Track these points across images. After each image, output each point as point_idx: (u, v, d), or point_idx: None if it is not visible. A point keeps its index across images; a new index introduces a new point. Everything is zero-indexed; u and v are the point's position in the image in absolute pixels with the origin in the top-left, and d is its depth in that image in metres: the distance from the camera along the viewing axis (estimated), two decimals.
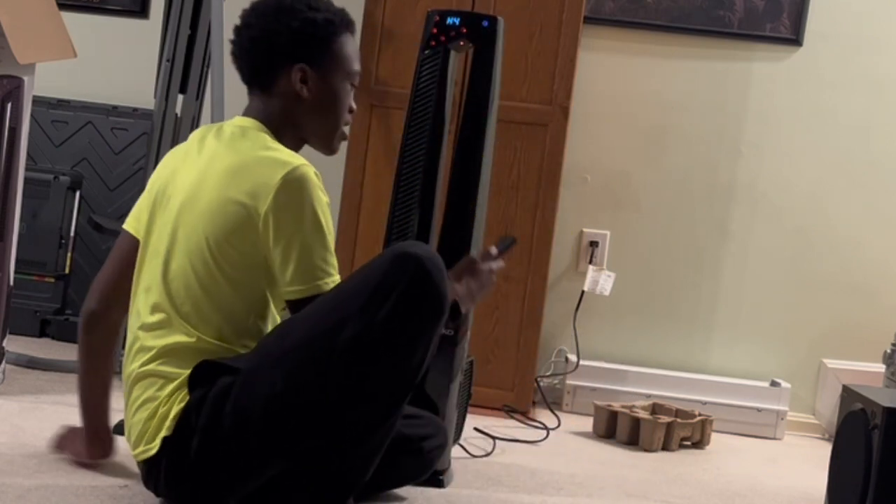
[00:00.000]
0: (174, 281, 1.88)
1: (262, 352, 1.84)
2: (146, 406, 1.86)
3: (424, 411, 2.20)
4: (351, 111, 2.06)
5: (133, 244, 2.00)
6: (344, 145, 3.33)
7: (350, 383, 1.78)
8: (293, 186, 1.84)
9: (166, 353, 1.86)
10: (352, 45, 2.03)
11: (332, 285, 1.85)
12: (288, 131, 1.99)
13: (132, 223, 2.03)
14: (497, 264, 2.20)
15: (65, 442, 2.15)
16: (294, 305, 1.87)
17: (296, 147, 2.02)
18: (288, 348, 1.79)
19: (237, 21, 2.01)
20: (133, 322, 1.94)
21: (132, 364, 1.90)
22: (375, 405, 1.82)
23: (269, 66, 1.97)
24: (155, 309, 1.89)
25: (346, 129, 2.06)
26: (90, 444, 2.10)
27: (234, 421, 1.78)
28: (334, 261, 1.88)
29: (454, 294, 2.07)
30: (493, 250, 2.21)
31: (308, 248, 1.84)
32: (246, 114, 2.01)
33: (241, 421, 1.78)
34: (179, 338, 1.86)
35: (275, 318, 1.94)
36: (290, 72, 1.97)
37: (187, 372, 1.83)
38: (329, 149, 2.06)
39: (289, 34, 1.95)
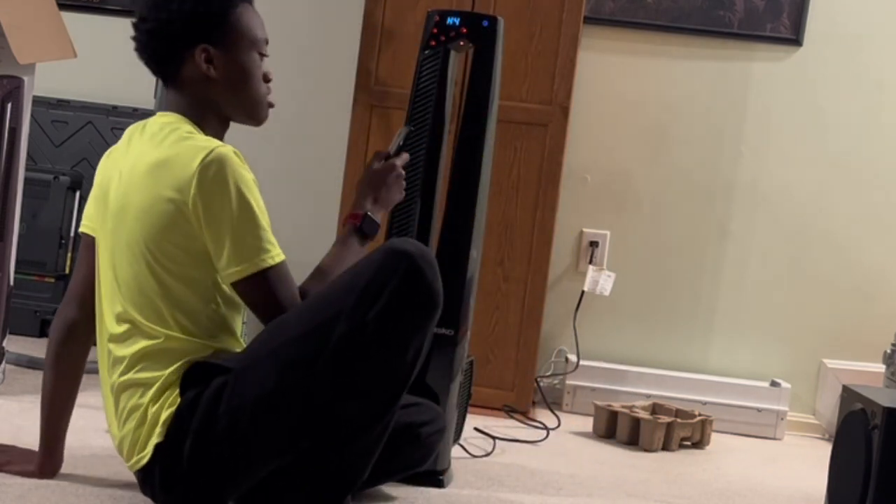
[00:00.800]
0: (127, 289, 1.86)
1: (253, 350, 1.83)
2: (133, 415, 1.85)
3: (422, 399, 2.18)
4: (267, 80, 2.02)
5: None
6: (344, 145, 3.36)
7: (342, 381, 1.77)
8: (212, 169, 1.80)
9: (140, 360, 1.84)
10: (251, 14, 2.00)
11: (270, 262, 1.82)
12: (209, 115, 1.97)
13: (89, 225, 2.01)
14: (400, 160, 2.16)
15: (6, 457, 2.06)
16: (238, 287, 1.84)
17: (222, 129, 2.00)
18: (278, 346, 1.78)
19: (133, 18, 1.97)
20: (103, 335, 1.91)
21: (111, 377, 1.89)
22: (369, 403, 1.81)
23: (172, 55, 1.94)
24: (119, 319, 1.88)
25: (270, 98, 2.02)
26: (46, 459, 2.03)
27: (228, 420, 1.77)
28: (270, 237, 1.85)
29: (363, 208, 2.05)
30: (391, 149, 2.18)
31: (238, 228, 1.81)
32: (166, 108, 1.98)
33: (234, 421, 1.77)
34: (148, 342, 1.84)
35: (234, 301, 1.92)
36: (193, 55, 1.93)
37: (165, 373, 1.82)
38: (256, 121, 2.02)
39: (184, 18, 1.92)
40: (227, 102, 1.98)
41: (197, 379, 1.81)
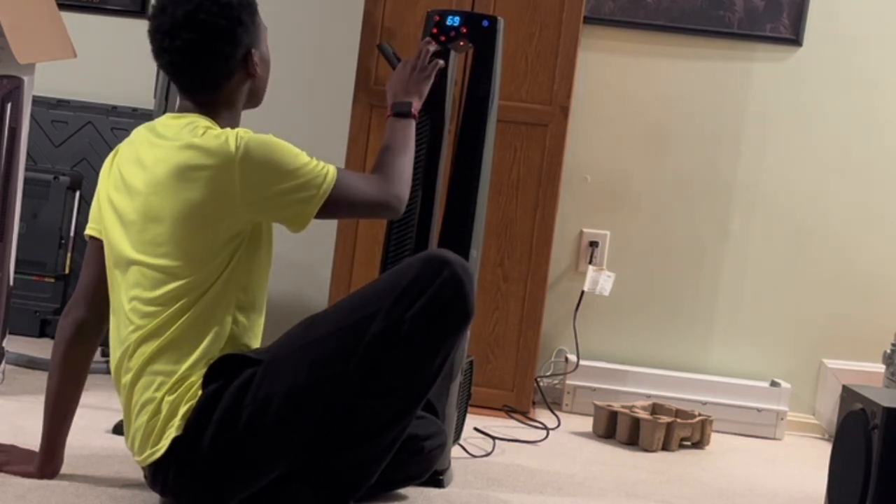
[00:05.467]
0: (156, 284, 1.86)
1: (286, 343, 1.86)
2: (146, 408, 1.85)
3: (424, 412, 2.20)
4: None
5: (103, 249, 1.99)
6: (344, 145, 3.35)
7: (370, 379, 1.80)
8: (242, 154, 1.83)
9: (160, 352, 1.85)
10: (258, 14, 2.03)
11: (328, 186, 1.88)
12: (229, 112, 1.98)
13: (95, 227, 2.01)
14: (410, 60, 2.30)
15: (6, 457, 2.06)
16: (323, 217, 1.91)
17: (237, 120, 2.02)
18: (313, 341, 1.82)
19: (165, 41, 1.90)
20: (123, 328, 1.91)
21: (128, 370, 1.89)
22: (391, 404, 1.85)
23: (228, 69, 1.94)
24: (142, 313, 1.88)
25: None
26: (46, 460, 2.03)
27: (253, 411, 1.79)
28: (313, 165, 1.89)
29: (388, 103, 2.21)
30: (393, 63, 2.36)
31: (288, 180, 1.86)
32: (180, 110, 1.98)
33: (261, 410, 1.79)
34: (170, 335, 1.85)
35: (253, 299, 1.93)
36: (247, 61, 1.96)
37: (181, 367, 1.83)
38: (259, 103, 2.07)
39: (243, 29, 1.93)
40: (252, 95, 2.03)
41: (221, 373, 1.82)
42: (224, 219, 1.85)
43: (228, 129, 1.89)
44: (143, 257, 1.87)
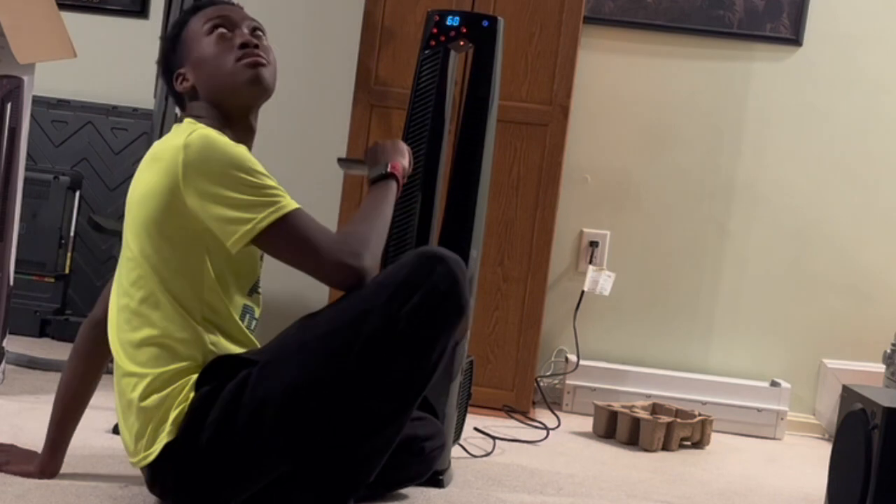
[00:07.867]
0: (133, 285, 1.87)
1: (282, 343, 1.85)
2: (131, 408, 1.85)
3: (424, 413, 2.21)
4: (244, 46, 1.96)
5: None
6: (344, 144, 3.36)
7: (368, 377, 1.80)
8: (193, 149, 1.80)
9: (137, 352, 1.85)
10: (199, 16, 2.00)
11: (279, 214, 1.79)
12: (222, 115, 1.97)
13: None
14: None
15: (6, 457, 2.06)
16: (261, 247, 1.84)
17: (243, 133, 1.99)
18: (309, 340, 1.81)
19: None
20: (112, 330, 1.91)
21: (117, 367, 1.89)
22: (389, 401, 1.84)
23: (172, 83, 2.04)
24: (120, 306, 1.89)
25: (248, 59, 1.95)
26: (48, 459, 2.03)
27: (250, 412, 1.78)
28: (274, 191, 1.82)
29: (397, 155, 2.09)
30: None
31: (233, 192, 1.80)
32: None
33: (258, 411, 1.78)
34: (146, 333, 1.84)
35: (233, 301, 1.92)
36: (179, 82, 2.02)
37: (161, 369, 1.82)
38: (245, 89, 1.96)
39: (163, 54, 2.06)
40: (218, 96, 1.97)
41: (214, 374, 1.82)
42: (172, 210, 1.82)
43: (201, 128, 1.86)
44: (123, 250, 1.91)
